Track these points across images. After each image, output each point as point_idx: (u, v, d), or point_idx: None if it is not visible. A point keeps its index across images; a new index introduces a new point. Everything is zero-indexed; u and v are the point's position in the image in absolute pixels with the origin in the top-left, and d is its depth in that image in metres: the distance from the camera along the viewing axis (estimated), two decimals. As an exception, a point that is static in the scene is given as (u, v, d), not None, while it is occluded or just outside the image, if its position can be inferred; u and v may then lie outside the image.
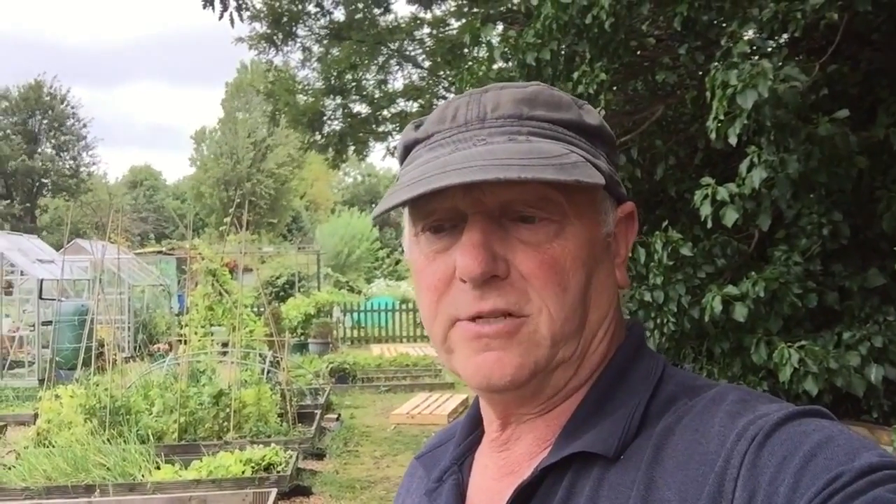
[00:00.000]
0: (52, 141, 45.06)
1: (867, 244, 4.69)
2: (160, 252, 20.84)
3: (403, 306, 19.91)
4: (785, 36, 4.55)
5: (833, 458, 0.58)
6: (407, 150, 0.80)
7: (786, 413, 0.63)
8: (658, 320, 4.71)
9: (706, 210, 3.99)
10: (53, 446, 6.59)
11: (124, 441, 6.61)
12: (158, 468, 6.32)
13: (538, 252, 0.70)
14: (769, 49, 4.00)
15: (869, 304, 4.53)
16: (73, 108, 45.68)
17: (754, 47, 3.86)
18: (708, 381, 0.74)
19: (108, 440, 6.62)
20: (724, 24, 4.41)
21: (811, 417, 0.63)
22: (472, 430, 0.86)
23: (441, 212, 0.73)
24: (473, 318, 0.71)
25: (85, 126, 46.21)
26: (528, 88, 0.76)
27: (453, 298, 0.72)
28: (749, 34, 4.15)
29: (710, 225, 4.09)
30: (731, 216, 3.94)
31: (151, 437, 6.96)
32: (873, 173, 4.38)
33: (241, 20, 8.91)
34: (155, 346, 14.08)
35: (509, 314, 0.70)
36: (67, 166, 45.73)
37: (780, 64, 3.53)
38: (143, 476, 6.17)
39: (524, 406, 0.76)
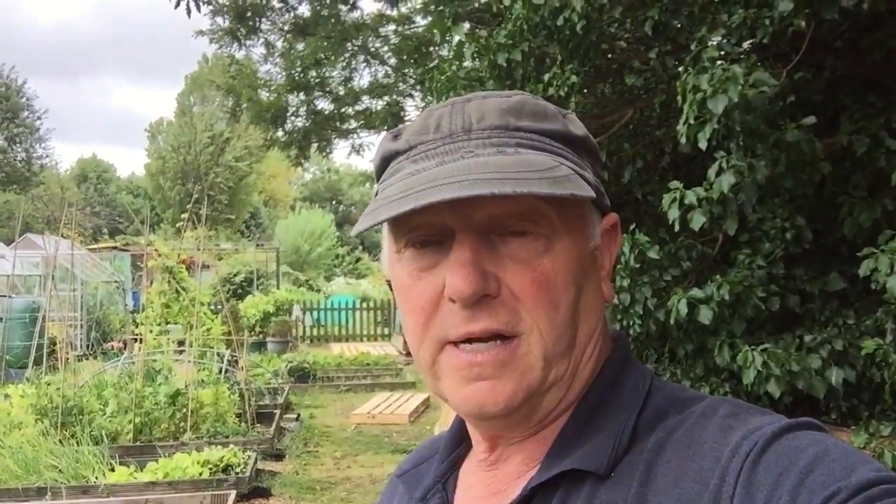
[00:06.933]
0: (5, 132, 43.73)
1: (828, 249, 4.78)
2: (115, 248, 20.36)
3: (364, 305, 19.81)
4: (751, 42, 4.61)
5: (830, 475, 0.57)
6: (385, 162, 0.76)
7: (779, 427, 0.62)
8: (624, 322, 4.73)
9: (674, 214, 4.01)
10: (3, 448, 6.39)
11: (77, 442, 6.45)
12: (113, 470, 6.18)
13: (529, 269, 0.68)
14: (738, 55, 4.05)
15: (829, 307, 4.61)
16: (27, 99, 44.43)
17: (723, 52, 3.90)
18: (696, 394, 0.73)
19: (61, 441, 6.45)
20: (693, 30, 4.45)
21: (804, 430, 0.62)
22: (455, 446, 0.83)
23: (426, 227, 0.69)
24: (464, 341, 0.69)
25: (39, 118, 44.90)
26: (513, 98, 0.74)
27: (442, 320, 0.70)
28: (717, 40, 4.19)
29: (676, 228, 4.12)
30: (698, 220, 3.97)
31: (105, 438, 6.78)
32: (835, 179, 4.46)
33: (199, 10, 8.74)
34: (109, 344, 13.76)
35: (501, 335, 0.68)
36: (20, 158, 44.45)
37: (750, 70, 3.57)
38: (96, 478, 6.02)
39: (514, 429, 0.74)
